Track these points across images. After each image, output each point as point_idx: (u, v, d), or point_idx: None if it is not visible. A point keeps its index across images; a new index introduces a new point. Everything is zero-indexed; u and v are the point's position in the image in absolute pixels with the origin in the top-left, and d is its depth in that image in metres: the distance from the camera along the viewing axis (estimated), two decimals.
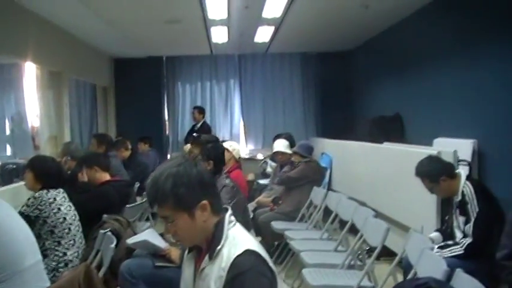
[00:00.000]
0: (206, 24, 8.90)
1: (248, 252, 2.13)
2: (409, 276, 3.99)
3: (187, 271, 2.40)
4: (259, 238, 7.29)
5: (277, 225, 6.69)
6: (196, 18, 8.36)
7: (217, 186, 4.10)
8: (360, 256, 5.21)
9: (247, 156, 12.12)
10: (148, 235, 4.38)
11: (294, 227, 6.65)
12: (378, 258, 5.29)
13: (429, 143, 7.03)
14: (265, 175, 9.60)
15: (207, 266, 2.21)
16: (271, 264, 2.19)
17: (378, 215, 6.40)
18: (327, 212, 6.41)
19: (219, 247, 2.18)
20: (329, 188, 8.38)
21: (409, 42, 8.64)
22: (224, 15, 8.25)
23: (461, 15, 6.91)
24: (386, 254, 5.60)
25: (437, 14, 7.51)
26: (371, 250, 4.84)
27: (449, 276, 3.24)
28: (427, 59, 7.97)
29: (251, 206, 7.32)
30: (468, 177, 4.61)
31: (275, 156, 7.98)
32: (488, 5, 6.24)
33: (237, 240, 2.20)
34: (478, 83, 6.46)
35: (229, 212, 2.31)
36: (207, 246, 2.25)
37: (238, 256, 2.12)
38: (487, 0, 6.30)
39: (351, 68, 12.27)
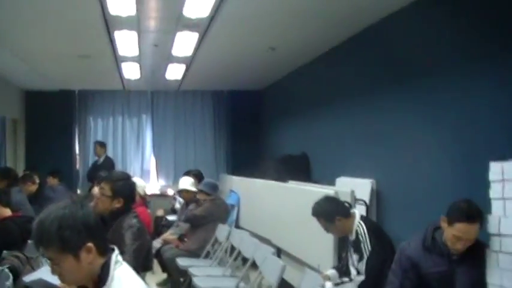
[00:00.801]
0: (117, 60, 8.93)
1: None
2: None
3: None
4: (166, 274, 7.34)
5: (182, 261, 6.69)
6: (106, 54, 8.37)
7: (122, 226, 4.16)
8: None
9: (158, 192, 12.12)
10: (44, 273, 4.31)
11: (199, 263, 6.67)
12: None
13: (332, 182, 7.21)
14: (174, 211, 9.57)
15: None
16: None
17: (282, 252, 6.56)
18: (234, 249, 6.49)
19: None
20: (237, 225, 8.47)
21: (315, 84, 8.89)
22: (135, 52, 8.31)
23: (357, 62, 7.24)
24: None
25: (340, 57, 7.82)
26: None
27: None
28: (331, 100, 8.21)
29: (158, 243, 7.32)
30: (362, 217, 4.73)
31: (180, 193, 8.02)
32: (397, 50, 6.54)
33: (122, 281, 2.23)
34: (378, 125, 6.70)
35: (116, 252, 2.32)
36: (94, 287, 2.28)
37: None
38: (390, 44, 6.59)
39: (261, 106, 12.53)
